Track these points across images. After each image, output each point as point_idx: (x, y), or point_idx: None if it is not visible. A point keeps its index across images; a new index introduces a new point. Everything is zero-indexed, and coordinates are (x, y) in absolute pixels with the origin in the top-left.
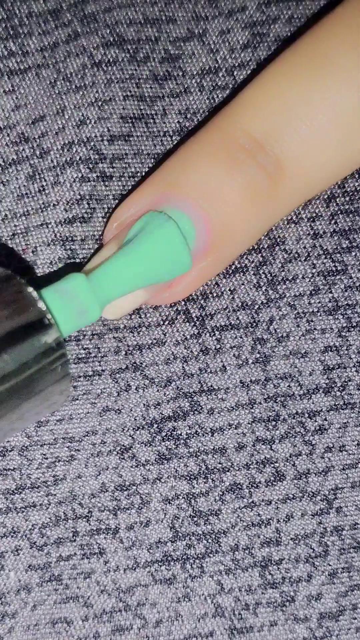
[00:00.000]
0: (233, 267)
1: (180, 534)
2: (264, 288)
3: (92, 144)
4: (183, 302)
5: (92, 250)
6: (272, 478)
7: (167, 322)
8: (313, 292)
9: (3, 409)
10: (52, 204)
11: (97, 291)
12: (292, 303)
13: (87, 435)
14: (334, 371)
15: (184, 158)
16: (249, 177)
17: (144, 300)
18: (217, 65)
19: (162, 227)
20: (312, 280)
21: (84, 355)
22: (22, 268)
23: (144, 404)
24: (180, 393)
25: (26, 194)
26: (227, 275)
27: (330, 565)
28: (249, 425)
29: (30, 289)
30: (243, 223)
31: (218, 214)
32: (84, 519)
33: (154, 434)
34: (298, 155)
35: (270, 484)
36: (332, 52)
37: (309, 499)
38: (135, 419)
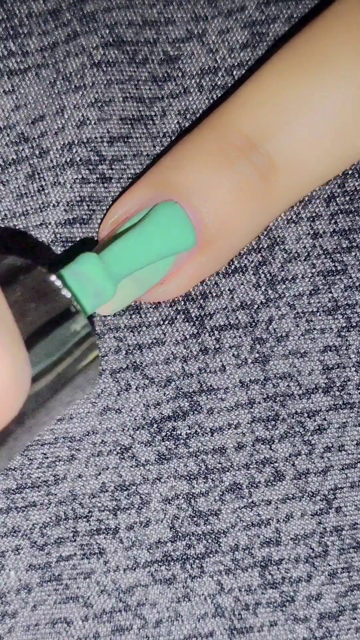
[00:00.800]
0: (232, 266)
1: (180, 534)
2: (263, 288)
3: (92, 145)
4: (183, 302)
5: None
6: (271, 478)
7: (167, 322)
8: (312, 292)
9: (39, 400)
10: (51, 204)
11: (110, 271)
12: (292, 303)
13: (87, 435)
14: (333, 371)
15: (178, 157)
16: (241, 176)
17: (137, 296)
18: (216, 65)
19: (167, 206)
20: (311, 280)
21: None
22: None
23: (144, 404)
24: (180, 393)
25: (25, 193)
26: (227, 275)
27: (330, 565)
28: (249, 425)
29: (53, 278)
30: (236, 221)
31: (209, 212)
32: (84, 519)
33: (154, 434)
34: (292, 154)
35: (270, 484)
36: (331, 50)
37: (308, 498)
38: (135, 419)
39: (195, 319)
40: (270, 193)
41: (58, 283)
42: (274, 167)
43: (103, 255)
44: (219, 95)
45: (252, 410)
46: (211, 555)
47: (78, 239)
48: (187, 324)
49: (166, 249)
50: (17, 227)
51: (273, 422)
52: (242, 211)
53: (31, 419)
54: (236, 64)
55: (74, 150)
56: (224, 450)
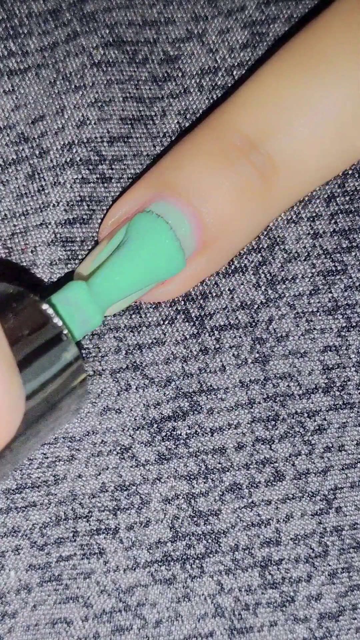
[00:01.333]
0: (232, 266)
1: (180, 534)
2: (263, 288)
3: (92, 145)
4: (182, 302)
5: None
6: (271, 478)
7: (167, 322)
8: (312, 292)
9: (27, 423)
10: (51, 204)
11: (96, 297)
12: (292, 303)
13: (87, 435)
14: (333, 371)
15: (178, 157)
16: (241, 176)
17: (137, 297)
18: (216, 65)
19: (152, 227)
20: (311, 280)
21: (84, 355)
22: (20, 268)
23: (144, 404)
24: (180, 393)
25: (25, 193)
26: (227, 275)
27: (330, 565)
28: (249, 425)
29: (45, 306)
30: (236, 222)
31: (210, 212)
32: (84, 519)
33: (154, 434)
34: (292, 154)
35: (270, 484)
36: (330, 50)
37: (308, 498)
38: (135, 419)
39: (195, 319)
40: (270, 193)
41: (50, 311)
42: (274, 167)
43: (91, 284)
44: (219, 95)
45: (252, 410)
46: (211, 555)
47: (78, 239)
48: (187, 324)
49: (155, 277)
50: (17, 227)
51: (273, 422)
52: (242, 211)
53: (18, 442)
54: (236, 64)
55: (74, 150)
56: (224, 450)
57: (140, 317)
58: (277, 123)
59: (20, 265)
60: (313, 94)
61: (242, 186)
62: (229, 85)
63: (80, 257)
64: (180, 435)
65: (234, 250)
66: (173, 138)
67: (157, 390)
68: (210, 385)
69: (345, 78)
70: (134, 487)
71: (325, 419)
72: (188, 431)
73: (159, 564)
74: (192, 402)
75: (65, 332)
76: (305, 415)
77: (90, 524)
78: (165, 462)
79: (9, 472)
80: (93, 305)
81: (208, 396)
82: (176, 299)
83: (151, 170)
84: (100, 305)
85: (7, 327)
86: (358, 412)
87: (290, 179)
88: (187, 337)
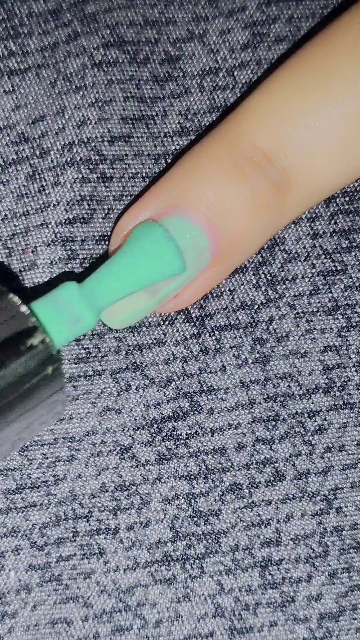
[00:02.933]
0: None
1: (180, 534)
2: (263, 288)
3: (92, 144)
4: None
5: (93, 251)
6: (272, 478)
7: (167, 322)
8: (313, 292)
9: None
10: (52, 204)
11: (91, 298)
12: (292, 303)
13: (87, 435)
14: (334, 371)
15: (191, 169)
16: (256, 190)
17: (153, 310)
18: (217, 66)
19: (149, 231)
20: (311, 280)
21: (84, 355)
22: (22, 268)
23: (144, 404)
24: (180, 393)
25: (26, 193)
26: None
27: (330, 565)
28: (249, 425)
29: (11, 295)
30: (250, 235)
31: (226, 227)
32: (84, 519)
33: (154, 434)
34: (305, 166)
35: (270, 484)
36: (338, 60)
37: (308, 499)
38: (135, 419)
39: (195, 319)
40: (283, 205)
41: (16, 299)
42: (288, 179)
43: (85, 284)
44: (221, 96)
45: (252, 410)
46: (211, 556)
47: (79, 239)
48: (187, 324)
49: (152, 277)
50: (17, 227)
51: (273, 423)
52: (256, 225)
53: None
54: (237, 64)
55: (75, 150)
56: (224, 451)
57: None
58: (292, 136)
59: (20, 266)
60: (322, 104)
61: (256, 200)
62: (230, 86)
63: (80, 256)
64: (181, 435)
65: (243, 259)
66: (174, 138)
67: (158, 390)
68: (211, 386)
69: (353, 88)
70: (134, 487)
71: (325, 419)
72: (188, 431)
73: (159, 564)
74: (193, 402)
75: (32, 319)
76: (306, 415)
77: (90, 524)
78: (166, 462)
79: None
80: (84, 305)
81: (208, 396)
82: None
83: (162, 181)
84: (93, 305)
85: None
86: (358, 412)
87: (302, 190)
88: (188, 337)
